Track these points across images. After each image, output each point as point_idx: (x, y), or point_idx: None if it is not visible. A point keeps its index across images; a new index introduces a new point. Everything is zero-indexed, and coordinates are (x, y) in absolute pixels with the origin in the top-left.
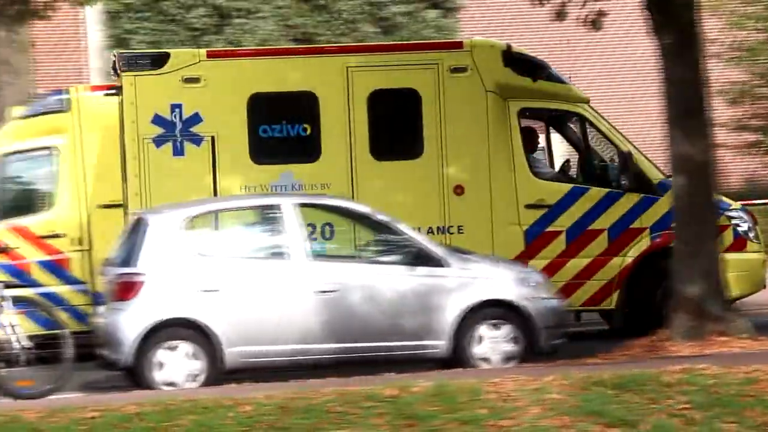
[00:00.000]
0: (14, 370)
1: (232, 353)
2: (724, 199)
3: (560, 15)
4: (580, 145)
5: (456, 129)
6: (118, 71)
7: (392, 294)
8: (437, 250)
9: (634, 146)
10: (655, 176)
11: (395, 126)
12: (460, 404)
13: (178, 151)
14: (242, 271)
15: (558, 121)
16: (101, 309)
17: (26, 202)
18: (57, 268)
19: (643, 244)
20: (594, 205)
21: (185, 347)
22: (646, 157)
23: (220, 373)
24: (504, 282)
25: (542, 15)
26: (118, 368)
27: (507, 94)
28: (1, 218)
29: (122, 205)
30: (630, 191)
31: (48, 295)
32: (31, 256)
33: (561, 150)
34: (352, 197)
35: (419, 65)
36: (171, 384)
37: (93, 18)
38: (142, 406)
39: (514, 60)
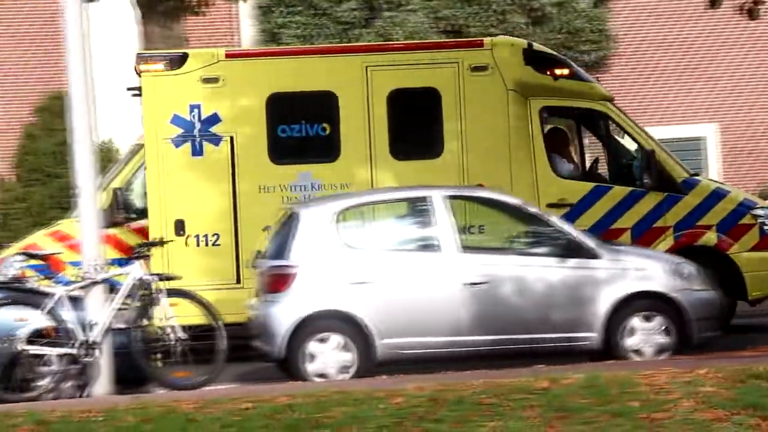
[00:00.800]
0: (170, 361)
1: (383, 345)
2: (751, 197)
3: (714, 3)
4: (603, 143)
5: (476, 128)
6: (138, 72)
7: (543, 286)
8: (589, 242)
9: (659, 144)
10: (679, 175)
11: (415, 125)
12: (612, 396)
13: (197, 152)
14: (392, 264)
15: (581, 119)
16: (253, 301)
17: None
18: None
19: (666, 242)
20: (617, 203)
21: (336, 339)
22: (672, 156)
23: (370, 365)
24: (656, 273)
25: (696, 3)
26: (270, 360)
27: (528, 93)
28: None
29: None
30: (653, 190)
31: None
32: None
33: (594, 149)
34: None
35: (439, 64)
36: (322, 375)
37: (245, 13)
38: (294, 398)
39: (535, 58)
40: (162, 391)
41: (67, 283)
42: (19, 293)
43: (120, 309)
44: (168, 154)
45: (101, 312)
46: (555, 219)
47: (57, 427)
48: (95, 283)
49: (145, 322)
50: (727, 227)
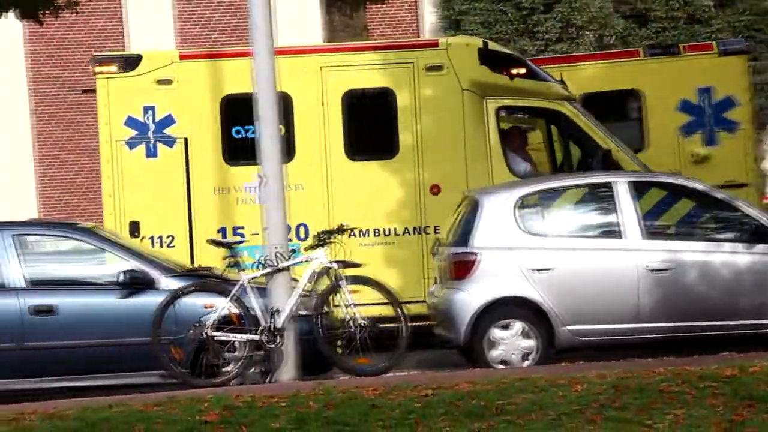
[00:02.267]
0: (352, 347)
1: (565, 332)
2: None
3: None
4: (561, 142)
5: (432, 128)
6: (93, 73)
7: (728, 272)
8: None
9: (621, 144)
10: None
11: (370, 126)
12: None
13: (152, 153)
14: (574, 250)
15: (539, 118)
16: (434, 288)
17: None
18: None
19: None
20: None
21: (519, 325)
22: (633, 156)
23: (553, 351)
24: None
25: None
26: (453, 346)
27: (484, 93)
28: None
29: None
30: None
31: None
32: None
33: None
34: (327, 198)
35: (394, 64)
36: (504, 362)
37: (427, 0)
38: (475, 385)
39: (491, 58)
40: (344, 378)
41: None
42: (207, 281)
43: (303, 296)
44: (122, 156)
45: (285, 299)
46: (742, 203)
47: (242, 411)
48: (280, 270)
49: (327, 308)
50: None
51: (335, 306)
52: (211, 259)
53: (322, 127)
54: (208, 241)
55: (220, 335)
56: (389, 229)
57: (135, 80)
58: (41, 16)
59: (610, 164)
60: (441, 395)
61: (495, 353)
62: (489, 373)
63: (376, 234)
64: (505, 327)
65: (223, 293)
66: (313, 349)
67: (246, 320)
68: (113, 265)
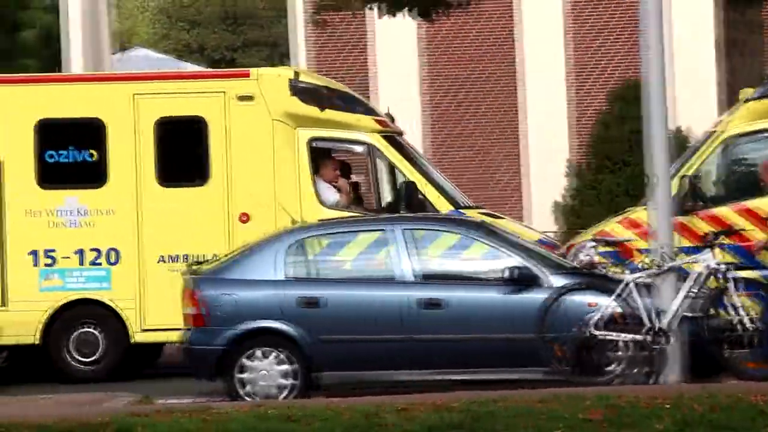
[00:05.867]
0: (741, 351)
1: None
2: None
3: None
4: (370, 174)
5: (242, 157)
6: None
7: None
8: None
9: (431, 177)
10: (444, 207)
11: (182, 153)
12: None
13: None
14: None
15: (350, 149)
16: None
17: (753, 184)
18: None
19: None
20: None
21: None
22: (442, 188)
23: None
24: None
25: None
26: None
27: (296, 123)
28: (729, 200)
29: None
30: None
31: None
32: (758, 238)
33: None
34: (138, 223)
35: (206, 93)
36: None
37: None
38: None
39: (300, 89)
40: (732, 381)
41: (636, 270)
42: (591, 279)
43: (690, 297)
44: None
45: (671, 300)
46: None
47: (625, 411)
48: (665, 270)
49: (714, 310)
50: None
51: (723, 308)
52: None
53: (134, 153)
54: (596, 239)
55: (604, 334)
56: (199, 256)
57: None
58: (435, 15)
59: (414, 197)
60: None
61: None
62: None
63: (185, 259)
64: None
65: (608, 292)
66: (700, 351)
67: (630, 320)
68: (499, 261)
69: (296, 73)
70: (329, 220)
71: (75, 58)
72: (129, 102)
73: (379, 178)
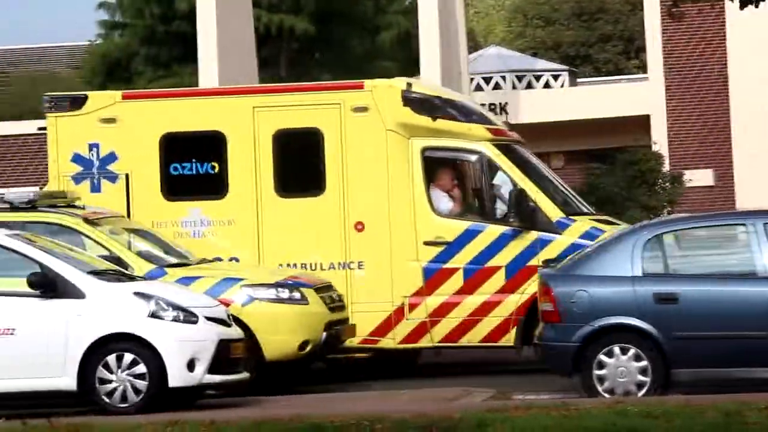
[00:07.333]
0: None
1: None
2: None
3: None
4: (482, 182)
5: (357, 167)
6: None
7: None
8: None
9: (542, 185)
10: (555, 214)
11: (299, 164)
12: None
13: (96, 188)
14: None
15: (461, 158)
16: None
17: None
18: None
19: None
20: (491, 242)
21: None
22: (552, 195)
23: None
24: None
25: None
26: None
27: (409, 133)
28: None
29: None
30: (527, 229)
31: None
32: None
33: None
34: (257, 233)
35: (322, 105)
36: None
37: None
38: None
39: (412, 100)
40: None
41: None
42: None
43: None
44: (69, 191)
45: None
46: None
47: None
48: None
49: None
50: None
51: None
52: None
53: (253, 165)
54: None
55: None
56: (315, 264)
57: (81, 119)
58: None
59: (525, 204)
60: None
61: None
62: None
63: (303, 268)
64: None
65: None
66: None
67: None
68: None
69: (408, 84)
70: (684, 216)
71: (431, 59)
72: (249, 115)
73: (492, 186)
